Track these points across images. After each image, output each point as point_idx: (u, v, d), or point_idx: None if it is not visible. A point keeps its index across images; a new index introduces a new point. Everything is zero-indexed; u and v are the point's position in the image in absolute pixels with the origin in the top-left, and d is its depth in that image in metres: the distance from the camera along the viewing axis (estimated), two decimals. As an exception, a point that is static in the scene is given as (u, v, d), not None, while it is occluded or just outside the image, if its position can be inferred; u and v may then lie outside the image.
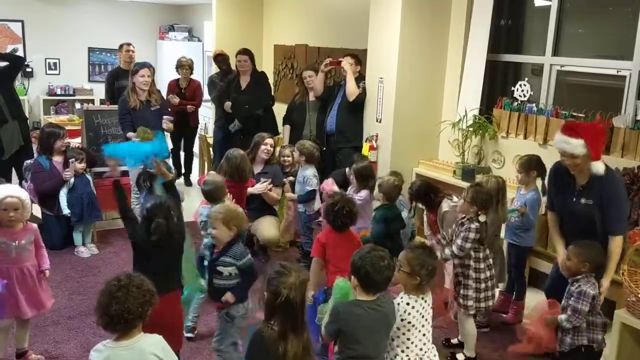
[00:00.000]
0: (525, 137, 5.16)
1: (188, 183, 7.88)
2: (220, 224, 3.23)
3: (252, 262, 3.29)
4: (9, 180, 5.12)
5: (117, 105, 6.42)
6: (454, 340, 4.05)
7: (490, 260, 3.83)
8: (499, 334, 4.28)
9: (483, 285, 3.76)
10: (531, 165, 4.26)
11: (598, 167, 3.38)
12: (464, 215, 3.78)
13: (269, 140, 5.27)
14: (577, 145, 3.34)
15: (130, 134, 5.39)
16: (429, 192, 4.38)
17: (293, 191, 5.28)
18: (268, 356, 2.39)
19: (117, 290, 2.31)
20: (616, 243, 3.42)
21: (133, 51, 7.28)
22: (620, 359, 3.55)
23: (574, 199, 3.51)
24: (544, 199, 4.11)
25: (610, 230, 3.43)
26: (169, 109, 6.16)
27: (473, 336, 3.83)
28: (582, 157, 3.36)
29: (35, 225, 3.65)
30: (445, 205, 4.28)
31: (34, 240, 3.57)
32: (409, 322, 2.85)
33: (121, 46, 7.38)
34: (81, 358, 3.73)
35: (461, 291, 3.77)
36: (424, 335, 2.93)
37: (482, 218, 3.73)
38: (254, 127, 6.07)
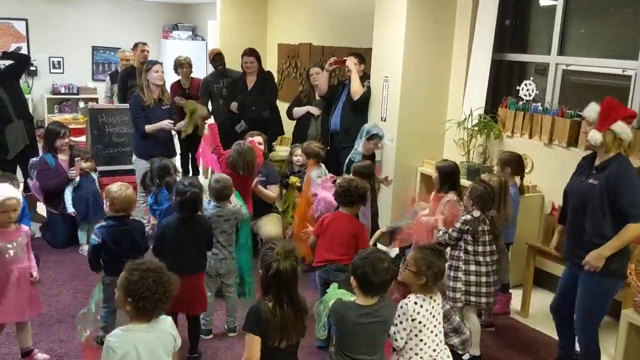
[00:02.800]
0: (530, 137, 5.15)
1: None
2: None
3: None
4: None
5: (121, 105, 6.45)
6: (459, 340, 4.04)
7: (495, 257, 3.83)
8: (505, 333, 4.29)
9: (483, 280, 3.77)
10: (507, 162, 4.44)
11: (594, 135, 3.28)
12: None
13: (257, 138, 5.22)
14: (593, 110, 3.32)
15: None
16: (455, 177, 4.41)
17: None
18: (266, 326, 2.53)
19: (148, 279, 2.39)
20: (630, 229, 3.19)
21: (148, 51, 7.26)
22: (628, 359, 3.55)
23: (584, 179, 3.41)
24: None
25: (626, 216, 3.21)
26: (175, 111, 6.14)
27: (476, 333, 3.82)
28: (592, 124, 3.32)
29: (27, 228, 3.63)
30: (450, 196, 4.28)
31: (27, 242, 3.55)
32: (420, 322, 2.84)
33: (136, 45, 7.34)
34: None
35: (450, 283, 3.80)
36: (436, 335, 2.92)
37: (475, 213, 3.77)
38: (261, 128, 6.05)
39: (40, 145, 6.13)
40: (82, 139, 6.97)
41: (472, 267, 3.77)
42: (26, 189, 5.98)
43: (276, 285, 2.56)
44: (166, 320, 2.53)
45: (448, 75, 5.86)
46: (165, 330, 2.50)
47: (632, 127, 4.33)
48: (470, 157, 5.49)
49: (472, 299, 3.78)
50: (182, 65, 7.27)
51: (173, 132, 5.92)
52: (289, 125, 6.78)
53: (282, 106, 6.91)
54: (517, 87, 5.36)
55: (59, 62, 10.97)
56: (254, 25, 8.67)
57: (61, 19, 10.79)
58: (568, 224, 3.55)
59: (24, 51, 9.71)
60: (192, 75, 7.40)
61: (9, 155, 5.90)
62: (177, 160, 6.84)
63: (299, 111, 6.39)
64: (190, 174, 7.69)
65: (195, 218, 3.68)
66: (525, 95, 5.29)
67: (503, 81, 5.72)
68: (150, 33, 11.22)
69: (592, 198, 3.28)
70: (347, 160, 5.23)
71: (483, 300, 3.81)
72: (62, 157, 5.47)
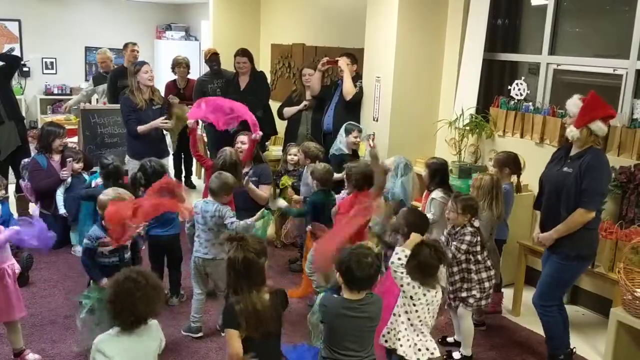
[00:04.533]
0: (521, 136, 5.17)
1: (191, 185, 7.73)
2: None
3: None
4: (5, 179, 5.10)
5: (112, 105, 6.43)
6: (450, 339, 4.06)
7: (489, 262, 3.83)
8: (495, 332, 4.30)
9: (487, 285, 3.78)
10: (505, 163, 4.44)
11: (572, 131, 3.49)
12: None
13: (240, 137, 5.19)
14: (574, 104, 3.52)
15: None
16: (443, 174, 4.43)
17: (297, 193, 5.28)
18: (241, 318, 2.56)
19: (138, 290, 2.38)
20: (577, 214, 3.45)
21: (138, 51, 7.24)
22: (617, 357, 3.56)
23: (559, 168, 3.61)
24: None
25: (579, 201, 3.45)
26: (168, 110, 6.13)
27: (470, 334, 3.84)
28: (572, 118, 3.53)
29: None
30: (436, 194, 4.28)
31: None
32: (414, 305, 2.98)
33: (126, 45, 7.33)
34: (78, 357, 3.73)
35: (463, 293, 3.79)
36: (421, 325, 3.01)
37: (476, 223, 3.76)
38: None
39: (32, 146, 6.11)
40: (74, 139, 6.95)
41: (484, 275, 3.78)
42: (18, 189, 5.97)
43: (236, 277, 2.62)
44: (154, 324, 2.54)
45: (440, 75, 5.88)
46: (153, 334, 2.53)
47: (623, 125, 4.46)
48: (462, 156, 5.51)
49: (483, 302, 3.81)
50: (179, 65, 7.28)
51: (165, 132, 5.90)
52: (281, 125, 6.78)
53: (275, 106, 6.92)
54: (509, 87, 5.38)
55: (51, 63, 10.95)
56: (247, 25, 8.67)
57: (54, 20, 10.77)
58: (542, 209, 3.76)
59: (16, 52, 9.69)
60: (188, 76, 7.41)
61: (0, 156, 5.88)
62: (170, 160, 6.85)
63: (289, 111, 6.39)
64: (183, 175, 7.72)
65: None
66: (516, 94, 5.31)
67: (494, 81, 5.73)
68: (143, 33, 11.22)
69: (567, 185, 3.49)
70: (330, 154, 5.37)
71: (489, 301, 3.89)
72: (54, 158, 5.45)
